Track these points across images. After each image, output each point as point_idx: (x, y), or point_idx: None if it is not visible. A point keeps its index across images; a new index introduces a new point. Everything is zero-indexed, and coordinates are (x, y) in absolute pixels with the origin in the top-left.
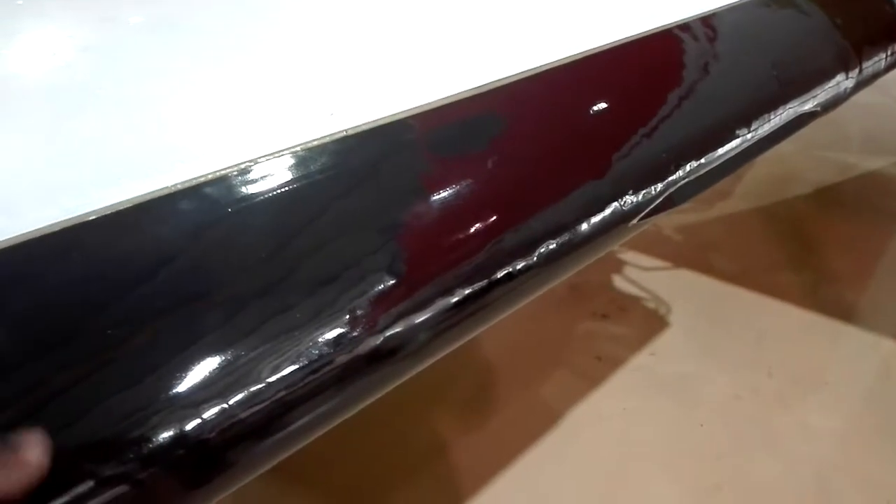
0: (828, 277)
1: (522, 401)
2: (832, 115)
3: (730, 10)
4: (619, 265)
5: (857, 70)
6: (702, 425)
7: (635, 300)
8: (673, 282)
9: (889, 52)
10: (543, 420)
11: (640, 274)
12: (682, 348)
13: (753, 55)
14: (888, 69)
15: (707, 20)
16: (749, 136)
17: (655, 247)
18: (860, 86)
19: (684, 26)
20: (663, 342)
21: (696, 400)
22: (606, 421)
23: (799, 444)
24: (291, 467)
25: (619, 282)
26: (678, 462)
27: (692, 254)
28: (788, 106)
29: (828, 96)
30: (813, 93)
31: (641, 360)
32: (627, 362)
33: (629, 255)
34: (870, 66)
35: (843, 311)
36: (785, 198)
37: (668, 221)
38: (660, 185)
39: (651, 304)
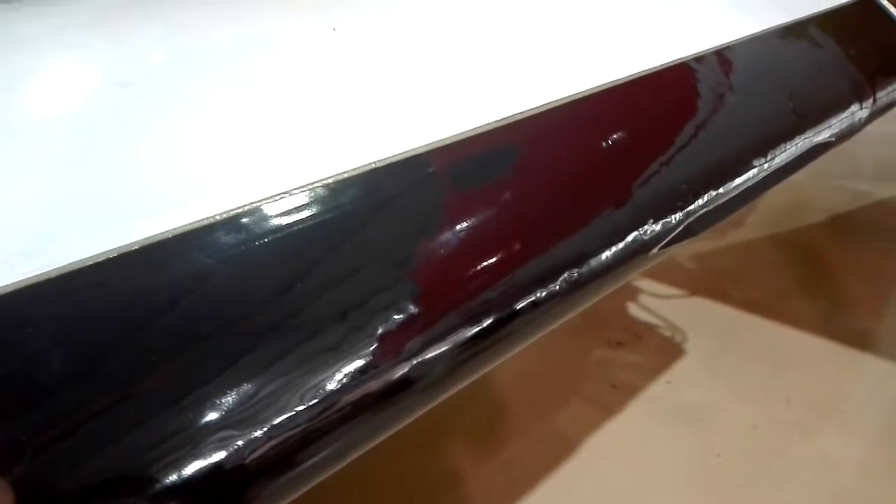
0: (843, 305)
1: (537, 430)
2: (845, 144)
3: (745, 42)
4: (633, 293)
5: (870, 100)
6: (719, 455)
7: (650, 328)
8: (688, 310)
9: None
10: (558, 449)
11: (655, 302)
12: (698, 377)
13: (769, 87)
14: None
15: (723, 53)
16: (766, 165)
17: (670, 275)
18: (874, 116)
19: (700, 59)
20: (679, 370)
21: (712, 429)
22: (622, 450)
23: (817, 473)
24: (309, 496)
25: (633, 309)
26: (695, 492)
27: (707, 282)
28: (804, 136)
29: (842, 126)
30: (828, 123)
31: (657, 389)
32: (643, 391)
33: (644, 283)
34: (883, 96)
35: (859, 339)
36: (798, 226)
37: (683, 250)
38: (679, 215)
39: (666, 332)
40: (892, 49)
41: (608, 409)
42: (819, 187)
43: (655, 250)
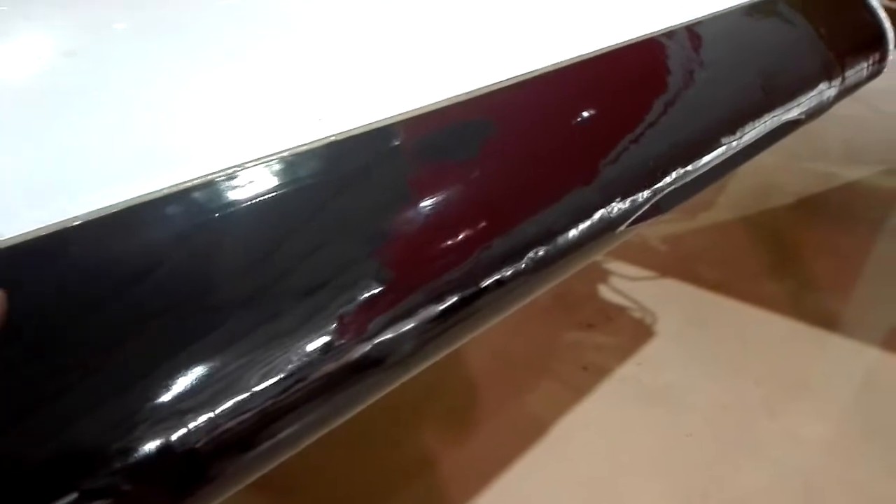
0: (811, 286)
1: (509, 411)
2: (813, 126)
3: (715, 18)
4: (604, 275)
5: (839, 79)
6: (689, 434)
7: (621, 310)
8: (659, 291)
9: (871, 62)
10: (530, 430)
11: (626, 284)
12: (668, 357)
13: (738, 63)
14: (870, 78)
15: (692, 28)
16: (734, 143)
17: (641, 257)
18: (843, 94)
19: (670, 34)
20: (650, 352)
21: (683, 409)
22: (593, 431)
23: (786, 451)
24: (278, 480)
25: (604, 292)
26: (666, 471)
27: (677, 263)
28: (773, 114)
29: (811, 104)
30: (797, 101)
31: (628, 370)
32: (614, 372)
33: (615, 265)
34: (852, 75)
35: (826, 320)
36: (768, 208)
37: (653, 231)
38: (647, 192)
39: (637, 314)
40: (861, 28)
41: (579, 390)
42: (788, 170)
43: (623, 228)
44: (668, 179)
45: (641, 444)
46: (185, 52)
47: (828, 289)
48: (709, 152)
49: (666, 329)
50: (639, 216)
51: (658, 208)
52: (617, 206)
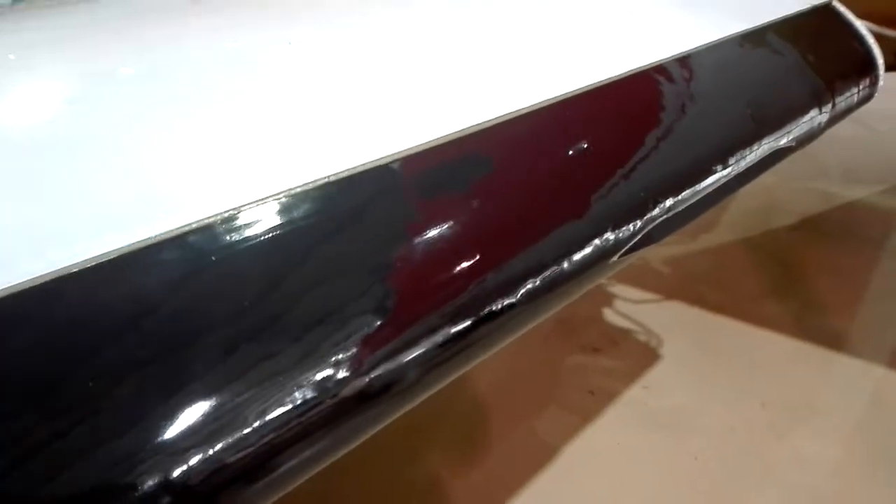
0: (815, 306)
1: (516, 437)
2: (813, 147)
3: (705, 50)
4: (608, 298)
5: (830, 105)
6: (696, 458)
7: (626, 333)
8: (663, 314)
9: (860, 87)
10: (537, 456)
11: (630, 307)
12: (674, 380)
13: (728, 94)
14: (860, 103)
15: (682, 61)
16: (725, 172)
17: (644, 279)
18: (834, 120)
19: (660, 68)
20: (656, 375)
21: (690, 432)
22: (600, 456)
23: (794, 473)
24: None
25: (609, 315)
26: (673, 495)
27: (681, 286)
28: (763, 142)
29: (802, 131)
30: (787, 128)
31: (634, 394)
32: (620, 396)
33: (618, 289)
34: (842, 100)
35: (831, 339)
36: (769, 228)
37: (656, 254)
38: (638, 223)
39: (642, 337)
40: (850, 54)
41: (586, 415)
42: (789, 190)
43: (616, 258)
44: (659, 209)
45: (648, 468)
46: (179, 99)
47: (831, 309)
48: (700, 182)
49: (671, 352)
50: (631, 246)
51: (650, 237)
52: (609, 237)
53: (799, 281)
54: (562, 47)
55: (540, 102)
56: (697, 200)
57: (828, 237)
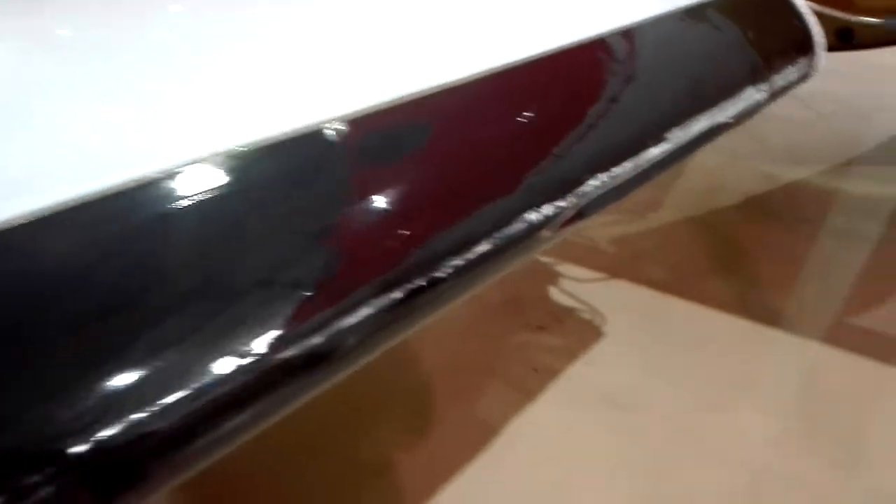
0: (756, 284)
1: (460, 415)
2: (759, 129)
3: (643, 25)
4: (553, 277)
5: (768, 83)
6: (638, 434)
7: (571, 311)
8: (608, 292)
9: (800, 65)
10: (482, 434)
11: (575, 285)
12: (617, 358)
13: (666, 69)
14: (800, 81)
15: (621, 35)
16: (661, 148)
17: (589, 258)
18: (773, 98)
19: (599, 41)
20: (599, 352)
21: (632, 409)
22: (544, 432)
23: (735, 450)
24: (232, 485)
25: (554, 293)
26: (616, 471)
27: (625, 264)
28: (700, 118)
29: (740, 108)
30: (725, 105)
31: (578, 371)
32: (564, 373)
33: (563, 267)
34: (781, 78)
35: (771, 317)
36: (713, 208)
37: (602, 234)
38: (571, 198)
39: (586, 315)
40: (789, 32)
41: (530, 392)
42: (732, 170)
43: (548, 232)
44: (593, 184)
45: (592, 446)
46: (126, 55)
47: (772, 287)
48: (634, 157)
49: (615, 330)
50: (563, 222)
51: (582, 214)
52: (540, 213)
53: (742, 260)
54: (505, 18)
55: (480, 73)
56: (633, 175)
57: (770, 217)
